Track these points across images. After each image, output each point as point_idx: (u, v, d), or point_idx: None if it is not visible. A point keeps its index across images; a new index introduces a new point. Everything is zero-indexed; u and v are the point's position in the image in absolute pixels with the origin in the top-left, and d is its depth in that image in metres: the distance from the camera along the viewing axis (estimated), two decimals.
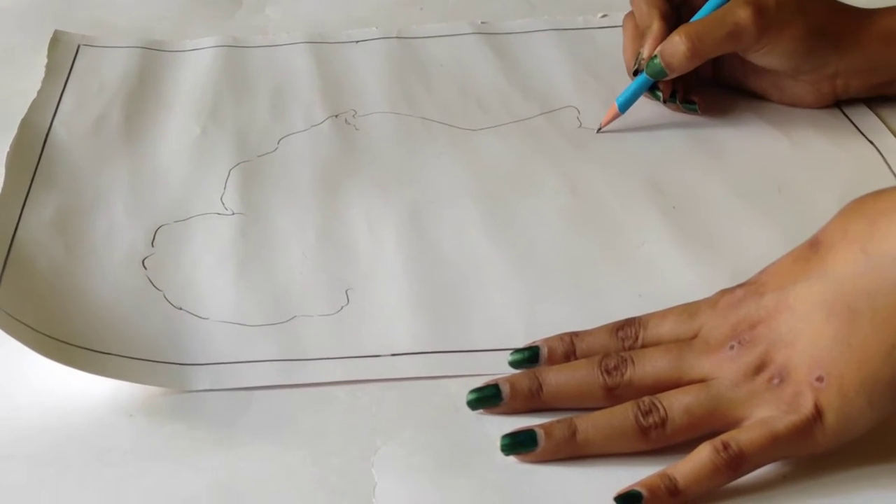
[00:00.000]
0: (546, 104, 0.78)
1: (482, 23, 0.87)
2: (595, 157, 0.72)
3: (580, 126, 0.75)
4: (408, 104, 0.79)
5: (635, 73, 0.73)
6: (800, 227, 0.56)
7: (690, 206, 0.67)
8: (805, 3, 0.71)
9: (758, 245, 0.63)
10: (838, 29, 0.71)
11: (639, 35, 0.74)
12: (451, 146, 0.74)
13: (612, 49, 0.80)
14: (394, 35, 0.86)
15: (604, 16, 0.87)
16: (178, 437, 0.54)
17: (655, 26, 0.72)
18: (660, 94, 0.74)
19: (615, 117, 0.73)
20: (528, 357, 0.56)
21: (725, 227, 0.65)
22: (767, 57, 0.71)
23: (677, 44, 0.70)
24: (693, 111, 0.74)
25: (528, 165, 0.72)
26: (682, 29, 0.70)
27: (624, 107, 0.73)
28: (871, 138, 0.72)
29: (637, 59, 0.73)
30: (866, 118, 0.74)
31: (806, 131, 0.73)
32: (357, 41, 0.85)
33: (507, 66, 0.82)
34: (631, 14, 0.76)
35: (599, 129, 0.73)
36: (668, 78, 0.72)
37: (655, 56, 0.71)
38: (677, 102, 0.74)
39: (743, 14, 0.69)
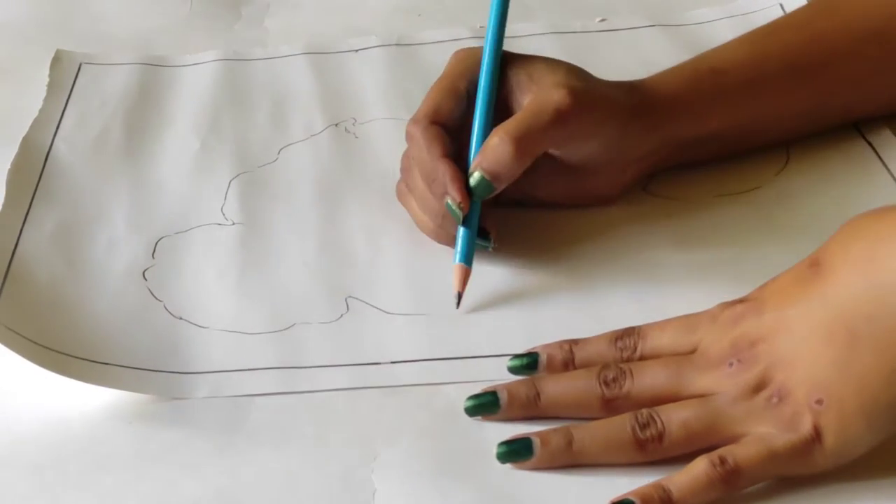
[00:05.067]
0: None
1: (481, 27, 0.87)
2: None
3: None
4: (407, 110, 0.78)
5: (464, 221, 0.61)
6: (800, 228, 0.57)
7: (690, 211, 0.67)
8: (603, 84, 0.65)
9: (756, 249, 0.63)
10: (637, 106, 0.65)
11: (426, 192, 0.63)
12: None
13: (611, 54, 0.81)
14: (393, 42, 0.86)
15: (602, 20, 0.87)
16: (178, 444, 0.55)
17: (444, 166, 0.62)
18: (488, 246, 0.63)
19: (468, 275, 0.61)
20: (527, 363, 0.57)
21: (725, 231, 0.65)
22: (581, 145, 0.64)
23: (499, 148, 0.61)
24: (485, 248, 0.63)
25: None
26: (498, 131, 0.61)
27: (470, 259, 0.61)
28: (868, 138, 0.72)
29: (454, 206, 0.61)
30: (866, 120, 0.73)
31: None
32: (356, 50, 0.86)
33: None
34: (407, 158, 0.65)
35: (459, 300, 0.61)
36: (496, 192, 0.62)
37: (475, 172, 0.61)
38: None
39: (558, 96, 0.62)
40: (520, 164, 0.61)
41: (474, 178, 0.61)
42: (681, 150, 0.68)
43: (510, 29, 0.86)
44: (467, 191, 0.61)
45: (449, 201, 0.61)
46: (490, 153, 0.61)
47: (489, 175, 0.61)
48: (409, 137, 0.64)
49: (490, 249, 0.63)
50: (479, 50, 0.66)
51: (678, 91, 0.67)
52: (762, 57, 0.69)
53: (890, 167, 0.69)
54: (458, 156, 0.63)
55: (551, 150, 0.64)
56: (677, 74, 0.68)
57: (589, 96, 0.63)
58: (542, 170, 0.64)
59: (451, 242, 0.63)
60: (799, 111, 0.70)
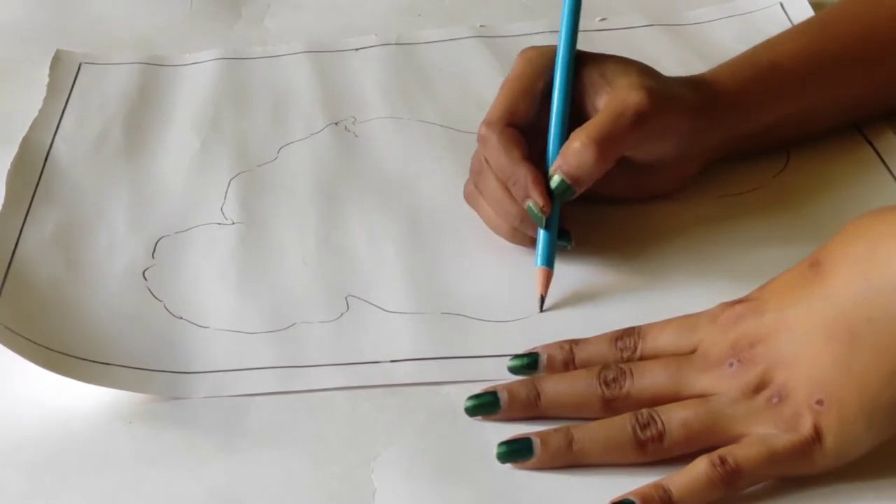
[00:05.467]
0: None
1: (480, 26, 0.87)
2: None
3: None
4: (407, 109, 0.79)
5: (546, 224, 0.61)
6: (800, 229, 0.57)
7: (690, 211, 0.67)
8: (673, 82, 0.66)
9: (756, 249, 0.63)
10: (702, 101, 0.66)
11: (504, 194, 0.63)
12: (450, 150, 0.74)
13: (610, 53, 0.80)
14: (393, 41, 0.86)
15: (602, 20, 0.87)
16: (178, 444, 0.55)
17: (525, 169, 0.61)
18: (567, 246, 0.63)
19: (550, 278, 0.61)
20: (528, 363, 0.57)
21: (725, 231, 0.65)
22: (657, 144, 0.64)
23: (581, 153, 0.61)
24: (564, 247, 0.63)
25: None
26: (579, 135, 0.61)
27: (552, 262, 0.62)
28: (868, 137, 0.72)
29: (535, 210, 0.61)
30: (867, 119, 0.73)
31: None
32: (356, 49, 0.86)
33: (506, 68, 0.81)
34: (478, 161, 0.65)
35: (542, 303, 0.61)
36: (576, 195, 0.62)
37: (555, 176, 0.61)
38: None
39: (637, 98, 0.62)
40: (601, 168, 0.61)
41: (554, 181, 0.61)
42: (736, 143, 0.68)
43: (509, 28, 0.86)
44: (548, 194, 0.61)
45: (530, 205, 0.61)
46: (572, 157, 0.61)
47: (570, 179, 0.61)
48: (482, 140, 0.63)
49: (568, 248, 0.63)
50: (549, 49, 0.66)
51: (741, 86, 0.67)
52: (818, 50, 0.69)
53: (891, 167, 0.69)
54: (531, 157, 0.62)
55: (627, 151, 0.63)
56: (738, 69, 0.69)
57: (664, 97, 0.63)
58: (612, 169, 0.63)
59: (525, 243, 0.63)
60: (854, 102, 0.70)
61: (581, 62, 0.65)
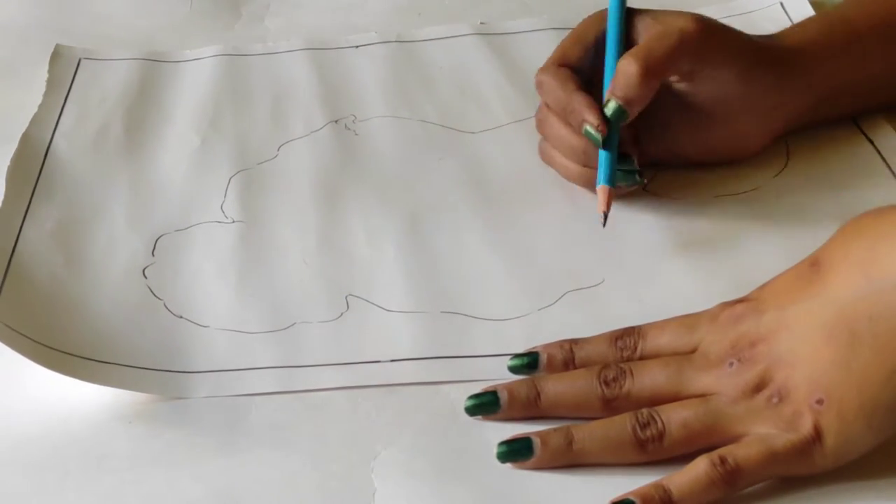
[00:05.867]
0: None
1: (481, 23, 0.87)
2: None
3: None
4: (407, 107, 0.79)
5: (604, 144, 0.64)
6: (800, 228, 0.57)
7: (690, 211, 0.67)
8: (730, 28, 0.67)
9: (756, 249, 0.63)
10: (769, 54, 0.67)
11: (566, 130, 0.66)
12: (450, 150, 0.74)
13: None
14: (393, 39, 0.86)
15: None
16: (178, 443, 0.55)
17: (579, 96, 0.64)
18: (637, 176, 0.65)
19: (612, 195, 0.64)
20: (528, 363, 0.57)
21: (725, 231, 0.65)
22: (709, 80, 0.65)
23: (627, 71, 0.63)
24: (639, 183, 0.65)
25: (528, 170, 0.71)
26: (625, 57, 0.64)
27: (612, 180, 0.64)
28: (869, 135, 0.72)
29: (592, 130, 0.63)
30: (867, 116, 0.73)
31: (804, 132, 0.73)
32: (356, 46, 0.86)
33: (507, 65, 0.82)
34: (540, 112, 0.68)
35: (605, 219, 0.64)
36: (630, 118, 0.64)
37: (609, 100, 0.64)
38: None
39: (684, 22, 0.65)
40: (648, 86, 0.64)
41: (609, 107, 0.64)
42: (816, 106, 0.69)
43: (510, 25, 0.86)
44: (604, 119, 0.64)
45: (587, 127, 0.63)
46: (620, 78, 0.64)
47: (622, 100, 0.63)
48: (539, 84, 0.67)
49: (644, 186, 0.66)
50: (605, 10, 0.68)
51: (809, 40, 0.68)
52: (892, 4, 0.70)
53: (891, 164, 0.69)
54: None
55: (681, 87, 0.66)
56: (808, 25, 0.70)
57: (714, 25, 0.65)
58: (678, 124, 0.66)
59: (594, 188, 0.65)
60: None
61: (636, 14, 0.68)
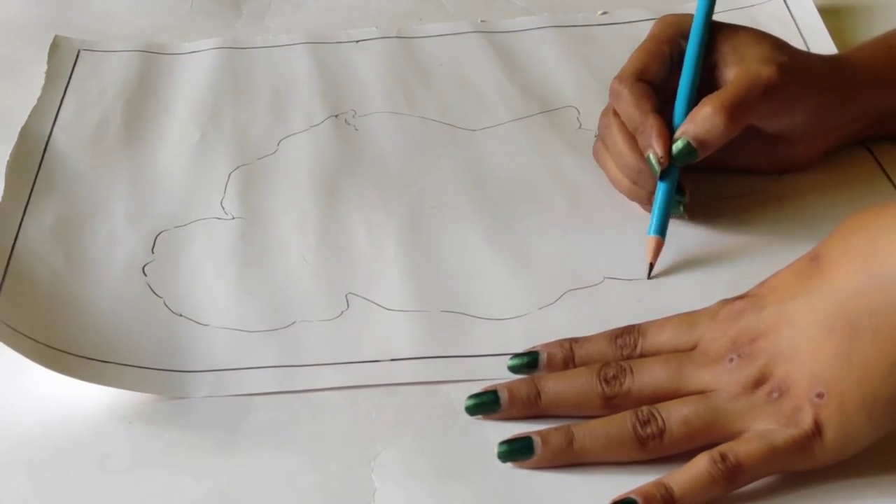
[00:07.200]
0: (546, 103, 0.77)
1: (482, 21, 0.87)
2: (595, 161, 0.72)
3: (580, 127, 0.75)
4: (407, 104, 0.79)
5: (661, 175, 0.64)
6: (800, 232, 0.57)
7: (691, 213, 0.67)
8: (805, 56, 0.68)
9: (757, 252, 0.64)
10: (836, 78, 0.67)
11: (627, 147, 0.65)
12: (451, 148, 0.74)
13: (611, 46, 0.81)
14: (393, 35, 0.86)
15: (603, 13, 0.87)
16: (178, 443, 0.55)
17: (654, 120, 0.64)
18: (682, 201, 0.65)
19: (661, 247, 0.63)
20: (528, 362, 0.57)
21: (725, 234, 0.65)
22: (786, 117, 0.66)
23: (711, 118, 0.63)
24: (679, 214, 0.65)
25: (528, 168, 0.71)
26: (710, 101, 0.63)
27: (664, 231, 0.63)
28: (867, 143, 0.71)
29: (654, 160, 0.63)
30: None
31: None
32: (357, 41, 0.85)
33: (507, 63, 0.82)
34: (606, 117, 0.68)
35: (650, 271, 0.63)
36: (696, 160, 0.64)
37: (680, 139, 0.63)
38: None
39: (769, 72, 0.64)
40: (728, 135, 0.63)
41: (680, 142, 0.63)
42: (881, 123, 0.69)
43: (510, 23, 0.86)
44: (669, 151, 0.63)
45: (650, 154, 0.63)
46: (701, 121, 0.63)
47: (696, 142, 0.63)
48: (614, 94, 0.66)
49: (685, 217, 0.65)
50: (686, 17, 0.68)
51: (875, 63, 0.69)
52: None
53: (889, 173, 0.69)
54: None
55: (755, 122, 0.65)
56: (872, 48, 0.70)
57: (795, 71, 0.65)
58: (742, 139, 0.65)
59: (642, 200, 0.65)
60: None
61: (715, 33, 0.67)
